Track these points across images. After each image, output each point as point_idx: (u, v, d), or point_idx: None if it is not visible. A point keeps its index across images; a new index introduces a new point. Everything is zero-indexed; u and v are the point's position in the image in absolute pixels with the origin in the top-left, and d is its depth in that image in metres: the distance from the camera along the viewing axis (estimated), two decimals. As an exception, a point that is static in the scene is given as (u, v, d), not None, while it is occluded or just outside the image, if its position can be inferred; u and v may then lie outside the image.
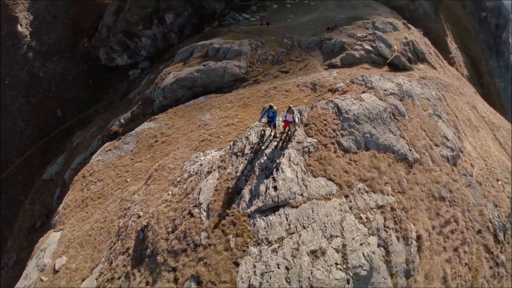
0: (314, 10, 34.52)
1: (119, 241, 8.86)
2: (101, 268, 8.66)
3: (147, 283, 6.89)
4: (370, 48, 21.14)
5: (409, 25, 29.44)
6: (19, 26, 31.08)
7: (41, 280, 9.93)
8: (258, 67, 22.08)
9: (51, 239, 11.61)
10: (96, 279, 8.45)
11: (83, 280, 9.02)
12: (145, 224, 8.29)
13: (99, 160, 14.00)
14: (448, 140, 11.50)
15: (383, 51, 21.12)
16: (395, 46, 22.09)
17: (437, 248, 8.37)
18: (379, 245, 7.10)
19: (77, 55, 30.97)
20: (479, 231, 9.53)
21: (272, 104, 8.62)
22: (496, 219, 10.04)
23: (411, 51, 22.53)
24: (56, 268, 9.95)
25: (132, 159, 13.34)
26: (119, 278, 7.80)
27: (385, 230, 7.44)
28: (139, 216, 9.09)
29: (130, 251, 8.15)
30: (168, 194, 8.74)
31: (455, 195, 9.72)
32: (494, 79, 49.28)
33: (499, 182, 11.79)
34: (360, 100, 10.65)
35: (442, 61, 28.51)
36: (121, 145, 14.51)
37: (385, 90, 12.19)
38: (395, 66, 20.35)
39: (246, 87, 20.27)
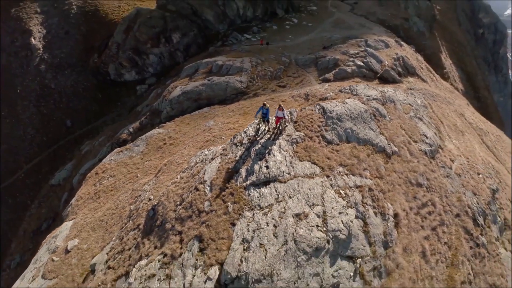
0: (312, 31, 38.31)
1: (130, 221, 10.44)
2: (112, 244, 10.12)
3: (155, 247, 8.40)
4: (362, 63, 23.73)
5: (401, 42, 32.58)
6: (32, 39, 35.06)
7: (52, 260, 11.30)
8: (258, 82, 24.69)
9: (63, 227, 13.13)
10: (107, 253, 9.88)
11: (94, 257, 10.40)
12: (156, 203, 9.93)
13: (111, 159, 15.92)
14: (427, 137, 13.24)
15: (374, 66, 23.65)
16: (386, 61, 24.68)
17: (415, 226, 9.72)
18: (357, 217, 8.59)
19: (87, 70, 34.43)
20: (457, 215, 10.83)
21: (265, 103, 10.66)
22: (475, 205, 11.36)
23: (401, 65, 25.06)
24: (68, 248, 11.36)
25: (142, 158, 15.23)
26: (129, 249, 9.28)
27: (363, 206, 8.96)
28: (150, 199, 10.75)
29: (141, 226, 9.71)
30: (177, 178, 10.49)
31: (432, 183, 11.22)
32: (492, 94, 51.64)
33: (480, 176, 13.21)
34: (344, 103, 12.69)
35: (434, 76, 30.99)
36: (132, 147, 16.50)
37: (368, 96, 14.26)
38: (385, 80, 22.71)
39: (246, 99, 22.67)
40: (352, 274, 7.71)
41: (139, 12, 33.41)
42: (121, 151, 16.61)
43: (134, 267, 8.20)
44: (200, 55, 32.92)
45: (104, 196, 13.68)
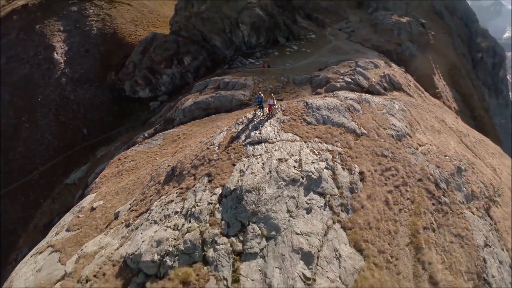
0: (310, 56, 44.78)
1: (152, 181, 14.22)
2: (135, 199, 13.71)
3: (173, 187, 12.09)
4: (350, 80, 28.77)
5: (391, 63, 38.15)
6: (55, 54, 42.01)
7: (78, 217, 14.72)
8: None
9: (87, 198, 16.72)
10: (130, 204, 13.44)
11: (116, 215, 13.86)
12: (174, 165, 13.79)
13: (132, 149, 20.07)
14: (395, 126, 17.16)
15: (361, 82, 28.61)
16: (372, 78, 29.65)
17: (379, 182, 13.14)
18: (327, 168, 12.27)
19: (104, 85, 40.72)
20: (419, 179, 14.08)
21: (260, 93, 15.08)
22: (437, 174, 14.62)
23: (386, 81, 29.97)
24: (94, 207, 14.84)
25: (159, 148, 19.44)
26: (150, 196, 12.90)
27: (332, 162, 12.68)
28: (169, 166, 14.62)
29: (161, 181, 13.47)
30: (192, 147, 14.46)
31: (396, 156, 14.81)
32: (493, 116, 55.57)
33: (447, 157, 16.60)
34: (323, 99, 17.12)
35: (423, 93, 35.70)
36: (150, 141, 20.84)
37: (346, 97, 18.66)
38: (371, 93, 27.30)
39: (249, 109, 27.22)
40: (322, 204, 11.13)
41: (155, 36, 40.66)
42: (141, 143, 20.85)
43: (155, 202, 11.76)
44: (208, 76, 38.88)
45: (126, 173, 17.56)
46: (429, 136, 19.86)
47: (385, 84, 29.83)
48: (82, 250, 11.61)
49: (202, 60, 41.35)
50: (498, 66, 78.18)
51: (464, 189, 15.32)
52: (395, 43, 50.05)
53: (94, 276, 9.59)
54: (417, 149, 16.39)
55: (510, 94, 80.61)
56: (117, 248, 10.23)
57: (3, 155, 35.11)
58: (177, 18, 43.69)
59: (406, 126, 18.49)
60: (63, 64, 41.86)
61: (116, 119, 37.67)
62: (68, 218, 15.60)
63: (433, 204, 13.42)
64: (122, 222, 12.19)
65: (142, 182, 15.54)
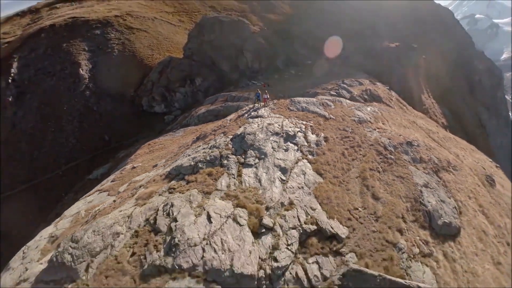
0: (306, 79, 55.17)
1: (181, 148, 22.29)
2: (169, 157, 21.66)
3: (200, 143, 20.14)
4: (335, 93, 37.86)
5: (376, 82, 47.47)
6: (80, 70, 52.65)
7: (121, 172, 22.48)
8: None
9: (126, 166, 24.56)
10: (165, 160, 21.34)
11: (154, 166, 21.74)
12: (198, 135, 22.03)
13: (159, 138, 28.39)
14: (359, 116, 25.32)
15: (344, 95, 37.69)
16: (355, 92, 38.61)
17: (338, 143, 21.10)
18: (300, 131, 20.47)
19: (124, 100, 50.42)
20: (371, 144, 21.84)
21: (258, 90, 23.87)
22: (387, 142, 22.27)
23: (367, 94, 38.90)
24: (134, 166, 22.66)
25: (182, 136, 27.77)
26: (182, 152, 20.88)
27: (305, 129, 20.86)
28: (194, 138, 22.82)
29: (188, 144, 21.54)
30: (211, 126, 22.86)
31: (355, 131, 22.86)
32: (487, 132, 63.48)
33: (401, 136, 24.33)
34: (304, 97, 25.69)
35: (405, 106, 44.38)
36: (173, 134, 29.22)
37: (323, 98, 27.28)
38: (353, 101, 35.89)
39: (251, 114, 36.03)
40: (295, 149, 19.09)
41: (172, 59, 51.82)
42: (166, 135, 29.22)
43: (187, 151, 19.71)
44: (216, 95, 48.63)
45: (157, 151, 25.64)
46: (393, 128, 27.82)
47: (366, 97, 38.70)
48: (131, 181, 19.22)
49: (212, 82, 51.69)
50: (496, 87, 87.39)
51: (412, 155, 22.56)
52: (384, 65, 60.43)
53: (147, 182, 17.12)
54: (375, 129, 24.30)
55: (510, 114, 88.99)
56: (162, 171, 17.95)
57: (28, 154, 43.57)
58: (190, 44, 55.40)
59: (370, 118, 26.62)
60: (87, 79, 52.54)
61: (134, 129, 46.69)
62: (106, 183, 23.28)
63: (381, 158, 20.86)
64: (162, 166, 20.00)
65: (172, 151, 23.55)
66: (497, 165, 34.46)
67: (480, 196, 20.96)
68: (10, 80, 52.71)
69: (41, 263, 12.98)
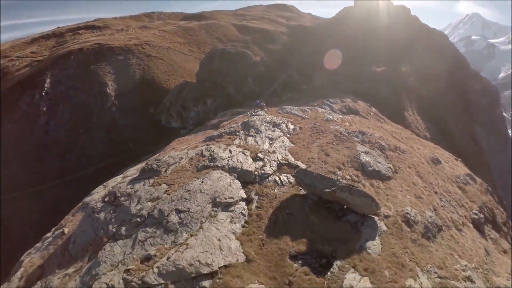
0: (300, 101, 71.25)
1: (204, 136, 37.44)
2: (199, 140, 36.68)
3: (222, 130, 35.30)
4: (317, 106, 53.22)
5: (358, 100, 63.17)
6: (107, 89, 69.92)
7: (164, 151, 37.14)
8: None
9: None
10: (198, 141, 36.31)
11: None
12: (217, 128, 37.33)
13: (184, 137, 43.48)
14: (328, 118, 40.46)
15: (325, 108, 53.00)
16: (335, 107, 54.16)
17: (309, 130, 36.45)
18: (283, 123, 36.10)
19: (145, 116, 66.47)
20: (331, 132, 36.90)
21: (258, 99, 39.75)
22: (343, 130, 37.02)
23: (346, 108, 54.47)
24: (174, 147, 37.41)
25: (203, 134, 42.81)
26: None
27: (287, 123, 36.25)
28: (213, 130, 38.06)
29: (212, 133, 36.67)
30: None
31: (322, 125, 38.17)
32: (480, 147, 77.88)
33: (357, 129, 39.21)
34: (289, 107, 41.27)
35: (382, 119, 59.53)
36: (195, 134, 44.37)
37: (304, 107, 42.72)
38: (333, 113, 51.26)
39: (252, 123, 51.74)
40: (280, 132, 34.17)
41: (187, 83, 69.41)
42: (188, 133, 44.30)
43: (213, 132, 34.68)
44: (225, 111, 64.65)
45: (186, 143, 40.49)
46: (357, 126, 42.65)
47: (344, 110, 54.20)
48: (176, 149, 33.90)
49: (220, 102, 68.32)
50: (493, 105, 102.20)
51: (362, 138, 37.22)
52: (370, 87, 76.96)
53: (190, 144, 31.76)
54: (338, 125, 39.12)
55: (509, 131, 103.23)
56: (200, 139, 32.58)
57: (60, 157, 58.41)
58: (201, 71, 73.14)
59: (337, 119, 41.58)
60: (113, 97, 69.54)
61: (154, 139, 62.10)
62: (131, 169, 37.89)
63: (336, 138, 35.53)
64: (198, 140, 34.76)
65: (199, 139, 38.38)
66: (458, 158, 48.24)
67: (420, 167, 35.10)
68: (44, 93, 69.60)
69: (134, 171, 27.23)
